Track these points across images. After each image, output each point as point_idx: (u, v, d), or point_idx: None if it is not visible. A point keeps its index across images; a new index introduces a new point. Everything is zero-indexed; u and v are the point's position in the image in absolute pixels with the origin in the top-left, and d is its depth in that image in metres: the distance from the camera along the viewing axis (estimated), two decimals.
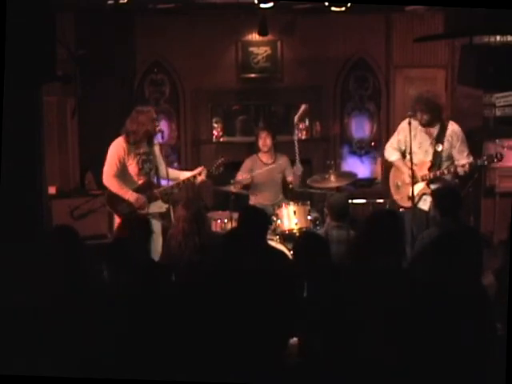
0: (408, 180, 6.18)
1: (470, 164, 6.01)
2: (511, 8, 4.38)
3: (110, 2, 6.83)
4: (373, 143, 8.76)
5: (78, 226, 4.66)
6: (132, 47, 8.27)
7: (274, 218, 6.59)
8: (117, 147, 5.86)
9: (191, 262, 4.71)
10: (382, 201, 6.77)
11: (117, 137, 5.94)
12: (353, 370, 3.37)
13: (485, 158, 6.04)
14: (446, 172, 6.08)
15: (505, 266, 4.00)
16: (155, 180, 6.00)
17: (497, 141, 7.94)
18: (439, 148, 6.15)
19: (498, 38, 6.94)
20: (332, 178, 6.95)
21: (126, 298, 3.70)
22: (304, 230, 6.44)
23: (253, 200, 7.20)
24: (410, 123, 6.11)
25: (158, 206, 5.97)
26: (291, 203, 6.66)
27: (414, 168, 6.18)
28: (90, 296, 3.71)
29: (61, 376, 3.35)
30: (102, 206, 6.53)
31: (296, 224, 6.50)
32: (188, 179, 6.07)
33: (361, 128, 8.84)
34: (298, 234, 6.38)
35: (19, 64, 4.35)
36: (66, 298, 3.65)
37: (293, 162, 7.34)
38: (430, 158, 6.13)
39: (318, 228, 6.53)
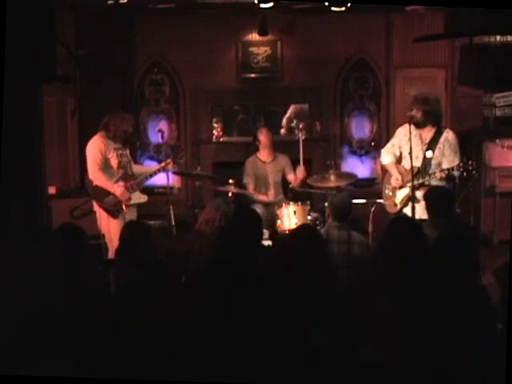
0: (395, 185, 6.18)
1: (448, 170, 5.85)
2: (511, 8, 4.38)
3: (110, 1, 6.83)
4: (373, 143, 8.75)
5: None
6: (132, 47, 8.27)
7: (275, 218, 6.59)
8: (96, 142, 6.08)
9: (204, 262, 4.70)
10: (381, 201, 6.76)
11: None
12: (354, 371, 3.37)
13: (461, 165, 5.81)
14: (428, 178, 5.91)
15: (505, 265, 4.01)
16: (129, 173, 6.21)
17: (497, 141, 7.95)
18: (429, 154, 5.98)
19: (498, 38, 6.93)
20: (332, 177, 6.96)
21: (131, 297, 3.71)
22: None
23: (253, 198, 7.19)
24: (405, 127, 6.12)
25: (137, 197, 6.17)
26: (291, 203, 6.66)
27: (403, 173, 6.15)
28: (94, 294, 3.71)
29: (62, 376, 3.35)
30: None
31: (296, 224, 6.49)
32: (158, 170, 6.34)
33: (361, 128, 8.83)
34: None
35: (19, 64, 4.35)
36: (68, 296, 3.65)
37: (294, 162, 7.36)
38: (419, 164, 5.94)
39: (317, 228, 6.52)
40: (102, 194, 6.04)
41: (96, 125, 6.14)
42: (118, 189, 6.04)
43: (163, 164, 6.37)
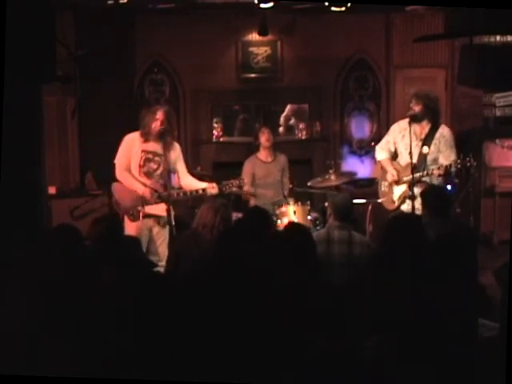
0: (392, 182, 6.17)
1: (446, 167, 5.81)
2: (511, 8, 4.38)
3: (110, 1, 6.83)
4: (373, 143, 8.73)
5: (78, 226, 4.63)
6: (132, 47, 8.28)
7: (275, 218, 6.59)
8: (129, 139, 5.85)
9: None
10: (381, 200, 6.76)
11: (121, 136, 5.96)
12: (354, 370, 3.38)
13: (459, 161, 5.78)
14: (424, 174, 5.88)
15: (505, 265, 4.01)
16: (161, 183, 5.84)
17: (497, 141, 7.95)
18: (425, 150, 5.98)
19: (498, 38, 6.94)
20: (332, 178, 6.97)
21: (129, 298, 3.70)
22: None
23: (254, 199, 7.19)
24: (399, 123, 6.16)
25: (161, 209, 5.83)
26: (291, 203, 6.66)
27: (399, 169, 6.15)
28: (91, 295, 3.71)
29: (61, 376, 3.35)
30: (102, 206, 6.53)
31: None
32: (196, 191, 5.90)
33: (361, 128, 8.84)
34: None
35: (19, 64, 4.35)
36: (67, 296, 3.65)
37: (293, 163, 7.37)
38: (414, 160, 5.89)
39: (317, 228, 6.52)
40: (122, 199, 5.78)
41: (96, 125, 6.14)
42: (140, 188, 5.71)
43: (205, 187, 5.86)
